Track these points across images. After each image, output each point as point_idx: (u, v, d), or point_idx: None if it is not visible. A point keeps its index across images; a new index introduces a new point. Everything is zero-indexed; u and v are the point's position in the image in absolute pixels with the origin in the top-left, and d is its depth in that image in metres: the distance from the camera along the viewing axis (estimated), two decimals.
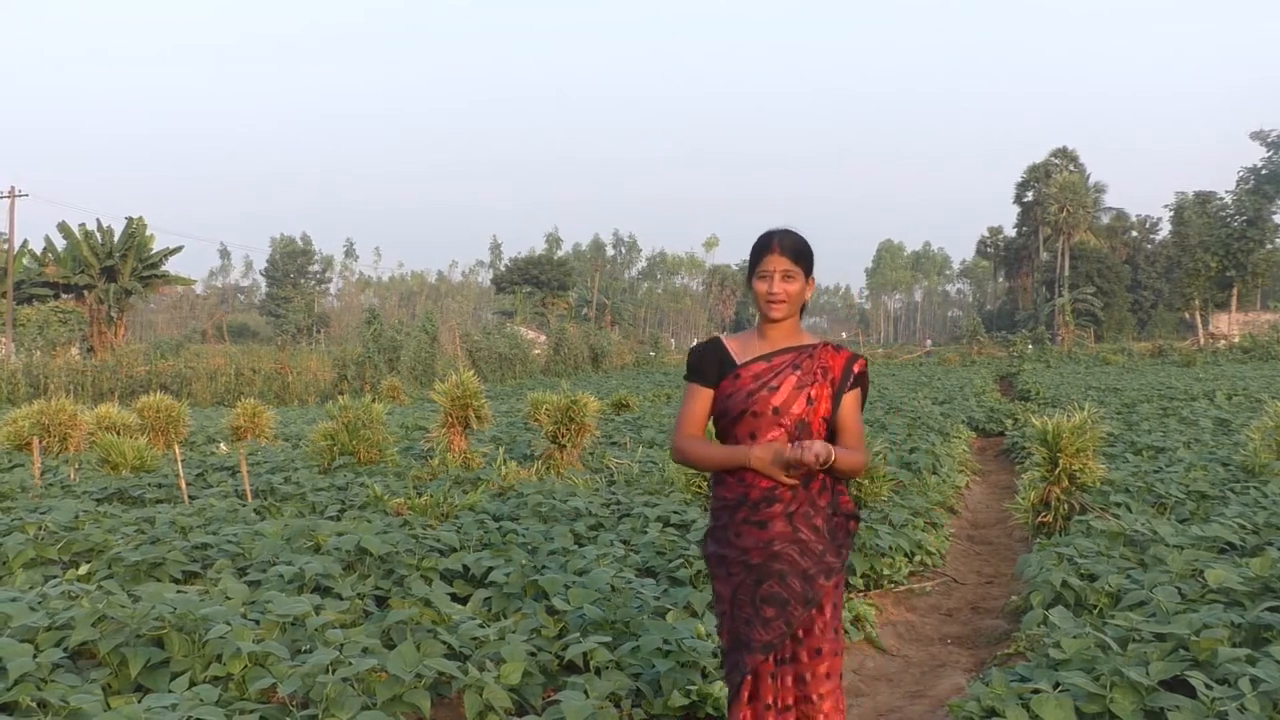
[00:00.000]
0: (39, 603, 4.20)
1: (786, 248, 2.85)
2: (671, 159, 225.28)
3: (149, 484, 8.64)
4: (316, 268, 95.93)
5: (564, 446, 10.25)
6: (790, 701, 2.85)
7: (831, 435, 2.91)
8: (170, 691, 3.54)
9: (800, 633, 2.84)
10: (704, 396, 2.93)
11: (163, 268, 49.01)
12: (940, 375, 33.84)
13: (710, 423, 3.00)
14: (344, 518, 6.80)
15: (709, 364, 2.93)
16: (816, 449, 2.68)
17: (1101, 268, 66.70)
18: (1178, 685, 3.59)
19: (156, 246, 48.42)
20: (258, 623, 4.16)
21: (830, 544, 2.84)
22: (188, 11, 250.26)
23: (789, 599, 2.79)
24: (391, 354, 33.45)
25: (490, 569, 5.28)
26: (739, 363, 2.90)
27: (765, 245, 2.87)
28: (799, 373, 2.86)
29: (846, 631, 5.35)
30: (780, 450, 2.78)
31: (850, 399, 2.92)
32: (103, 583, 4.66)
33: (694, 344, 3.02)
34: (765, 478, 2.81)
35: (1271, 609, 4.21)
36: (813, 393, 2.85)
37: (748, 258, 2.96)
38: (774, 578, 2.80)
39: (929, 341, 54.80)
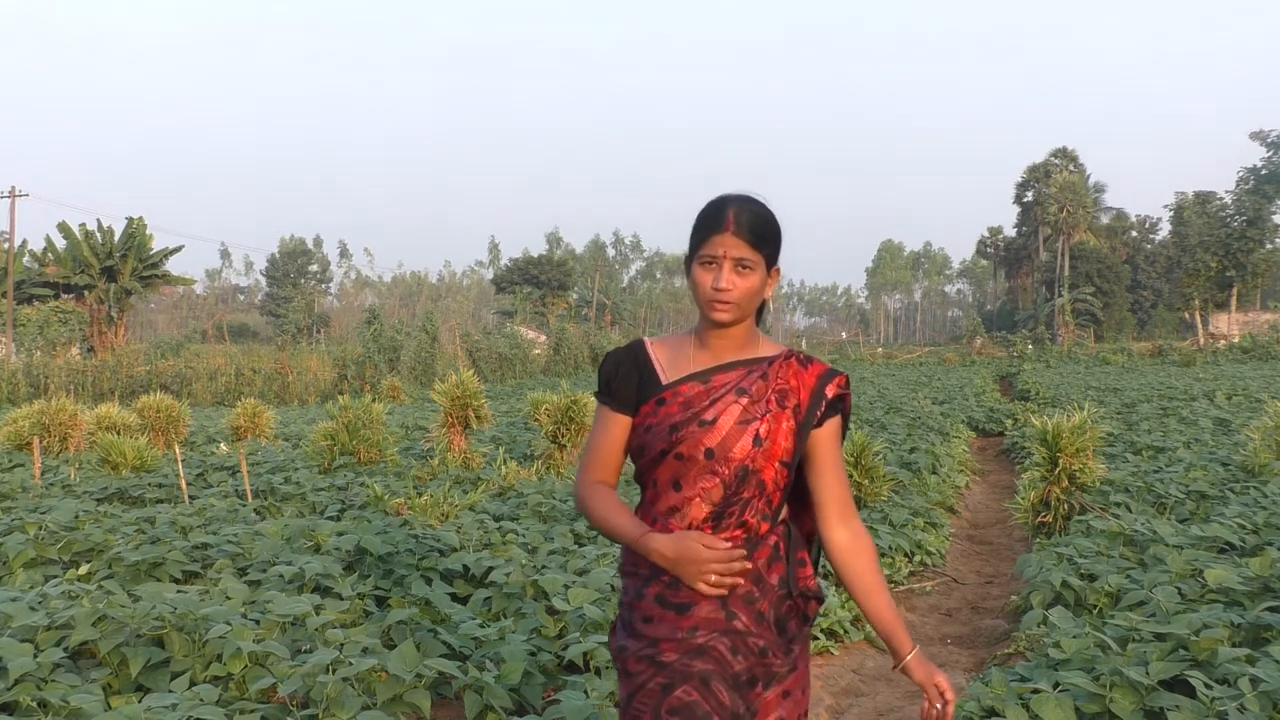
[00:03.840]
0: (39, 603, 4.21)
1: (744, 226, 1.99)
2: (671, 159, 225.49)
3: (149, 484, 8.65)
4: (315, 268, 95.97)
5: (564, 446, 10.26)
6: None
7: (800, 491, 2.10)
8: (170, 691, 3.55)
9: None
10: (619, 425, 2.11)
11: (163, 268, 49.04)
12: (940, 375, 33.86)
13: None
14: (344, 518, 6.81)
15: (626, 380, 2.11)
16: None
17: (1101, 268, 66.66)
18: (1178, 685, 3.59)
19: (156, 246, 48.46)
20: (258, 623, 4.16)
21: (777, 639, 2.00)
22: (188, 12, 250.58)
23: (709, 713, 1.94)
24: (391, 354, 33.46)
25: (490, 569, 5.28)
26: (665, 382, 2.08)
27: (715, 220, 2.01)
28: (745, 399, 2.03)
29: (846, 631, 5.35)
30: (695, 547, 1.94)
31: (825, 437, 2.06)
32: (103, 583, 4.67)
33: (611, 349, 2.13)
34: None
35: (1271, 609, 4.22)
36: (762, 429, 2.01)
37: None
38: (692, 681, 1.96)
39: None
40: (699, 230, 2.04)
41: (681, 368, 2.09)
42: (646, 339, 2.18)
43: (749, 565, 1.98)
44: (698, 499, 2.01)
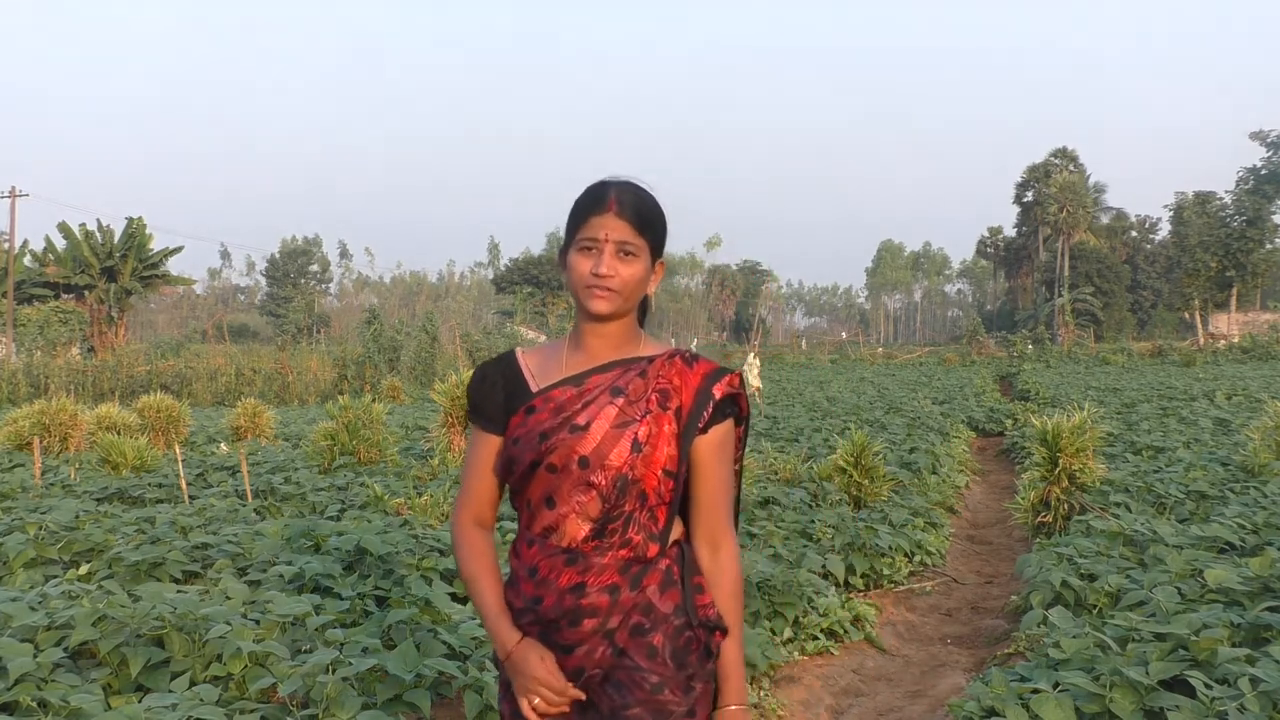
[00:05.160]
0: (39, 602, 4.20)
1: (627, 207, 1.82)
2: (672, 159, 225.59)
3: (149, 484, 8.65)
4: (316, 268, 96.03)
5: None
6: None
7: (685, 503, 1.91)
8: (170, 691, 3.54)
9: None
10: (490, 447, 1.92)
11: (163, 268, 49.06)
12: (940, 375, 33.86)
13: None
14: (344, 518, 6.80)
15: (494, 394, 1.92)
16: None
17: (1101, 268, 66.69)
18: (1177, 685, 3.59)
19: (156, 246, 48.49)
20: (258, 623, 4.16)
21: (674, 673, 1.81)
22: (189, 12, 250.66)
23: None
24: (392, 354, 33.46)
25: None
26: (535, 389, 1.89)
27: (595, 202, 1.84)
28: (621, 399, 1.84)
29: (846, 631, 5.35)
30: (533, 665, 1.80)
31: (709, 445, 1.87)
32: (103, 582, 4.66)
33: (479, 364, 2.03)
34: (570, 569, 1.82)
35: (1271, 609, 4.22)
36: (641, 432, 1.81)
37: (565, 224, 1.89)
38: None
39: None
40: (577, 213, 1.85)
41: (553, 373, 1.91)
42: (518, 349, 2.01)
43: (581, 696, 1.82)
44: (573, 515, 1.83)
